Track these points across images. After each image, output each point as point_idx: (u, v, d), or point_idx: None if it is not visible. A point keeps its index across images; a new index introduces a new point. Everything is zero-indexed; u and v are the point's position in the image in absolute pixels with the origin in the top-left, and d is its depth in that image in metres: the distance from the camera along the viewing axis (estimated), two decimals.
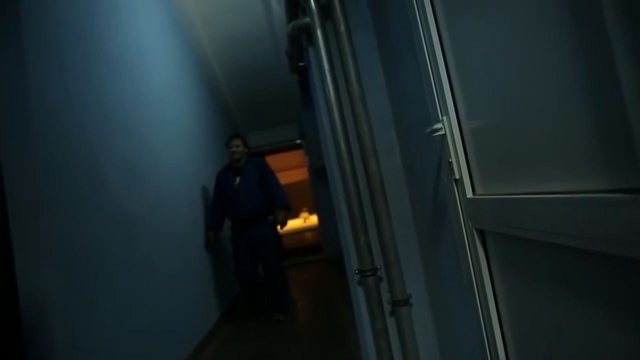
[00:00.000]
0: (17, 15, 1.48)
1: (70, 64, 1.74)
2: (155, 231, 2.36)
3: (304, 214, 12.31)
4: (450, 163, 0.96)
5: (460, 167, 0.93)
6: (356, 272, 1.40)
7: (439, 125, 0.92)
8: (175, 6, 3.62)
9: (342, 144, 1.37)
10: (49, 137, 1.51)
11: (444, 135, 0.97)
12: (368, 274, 1.36)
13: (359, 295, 1.43)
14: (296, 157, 14.35)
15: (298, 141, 6.60)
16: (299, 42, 1.59)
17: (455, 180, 0.97)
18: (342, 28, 1.39)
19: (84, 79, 1.83)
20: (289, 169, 14.01)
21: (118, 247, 1.87)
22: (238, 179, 3.28)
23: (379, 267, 1.38)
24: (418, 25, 1.01)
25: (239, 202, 3.22)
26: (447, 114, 0.95)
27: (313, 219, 11.47)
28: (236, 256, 3.31)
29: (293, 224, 11.52)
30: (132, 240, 2.04)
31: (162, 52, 3.18)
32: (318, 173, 5.97)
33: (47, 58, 1.58)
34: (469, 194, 0.93)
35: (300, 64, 1.79)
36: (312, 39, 1.44)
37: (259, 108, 5.64)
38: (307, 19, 1.41)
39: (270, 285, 3.33)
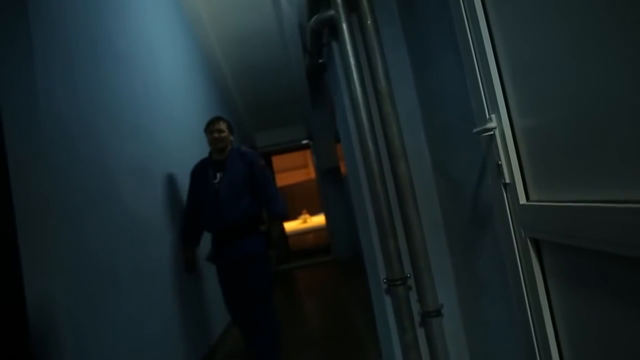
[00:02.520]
0: (25, 10, 1.41)
1: (79, 62, 1.66)
2: (166, 234, 2.28)
3: (304, 216, 12.26)
4: (499, 166, 0.88)
5: (512, 170, 0.85)
6: (384, 280, 1.31)
7: (492, 125, 0.83)
8: (183, 4, 3.55)
9: (370, 144, 1.29)
10: (57, 138, 1.44)
11: (492, 136, 0.88)
12: (398, 282, 1.27)
13: (386, 306, 1.35)
14: (300, 157, 14.34)
15: (304, 141, 6.52)
16: (321, 37, 1.51)
17: (505, 184, 0.88)
18: (369, 21, 1.31)
19: (93, 78, 1.76)
20: (292, 170, 13.97)
21: (128, 253, 1.80)
22: (219, 175, 2.35)
23: (408, 275, 1.30)
24: (462, 13, 0.92)
25: (219, 207, 2.28)
26: (496, 111, 0.87)
27: (314, 220, 11.44)
28: (221, 279, 2.37)
29: (295, 225, 11.47)
30: (143, 244, 1.96)
31: (171, 51, 3.11)
32: (326, 174, 5.89)
33: (56, 56, 1.51)
34: (522, 200, 0.85)
35: (320, 60, 1.71)
36: (336, 34, 1.36)
37: (267, 108, 5.57)
38: (332, 12, 1.33)
39: (255, 334, 2.29)
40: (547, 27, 0.69)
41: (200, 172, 2.43)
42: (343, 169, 4.58)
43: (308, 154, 13.82)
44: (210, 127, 2.39)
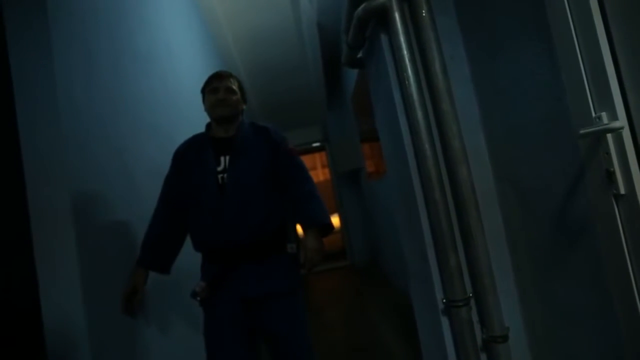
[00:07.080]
0: (44, 4, 1.29)
1: (98, 61, 1.54)
2: (187, 244, 2.15)
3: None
4: (611, 173, 0.73)
5: (633, 180, 0.70)
6: (443, 300, 1.17)
7: (618, 124, 0.68)
8: (200, 3, 3.44)
9: (427, 146, 1.14)
10: (76, 140, 1.31)
11: (600, 138, 0.73)
12: (460, 303, 1.12)
13: (443, 328, 1.20)
14: (308, 159, 14.26)
15: (316, 144, 6.34)
16: (365, 29, 1.36)
17: (617, 195, 0.73)
18: (424, 11, 1.17)
19: (112, 77, 1.64)
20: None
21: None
22: (225, 160, 1.49)
23: (471, 295, 1.15)
24: None
25: (225, 212, 1.42)
26: (609, 108, 0.72)
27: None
28: (212, 339, 1.44)
29: None
30: None
31: (190, 50, 2.99)
32: (343, 176, 5.73)
33: (75, 53, 1.38)
34: None
35: (358, 55, 1.57)
36: (386, 24, 1.22)
37: (282, 108, 5.46)
38: (383, 0, 1.19)
39: None
40: None
41: (193, 155, 1.55)
42: (371, 168, 4.38)
43: (317, 156, 13.77)
44: (214, 84, 1.55)
